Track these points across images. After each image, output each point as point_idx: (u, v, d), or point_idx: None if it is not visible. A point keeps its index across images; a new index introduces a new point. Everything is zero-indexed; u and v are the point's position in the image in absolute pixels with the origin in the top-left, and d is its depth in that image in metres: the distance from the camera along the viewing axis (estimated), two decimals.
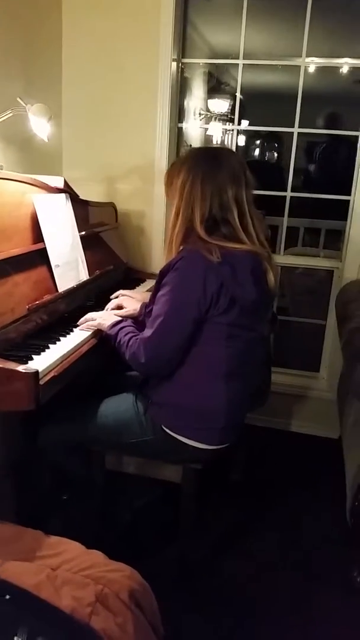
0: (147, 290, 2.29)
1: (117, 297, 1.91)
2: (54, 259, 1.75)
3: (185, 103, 2.83)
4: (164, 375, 1.54)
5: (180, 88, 2.70)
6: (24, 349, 1.44)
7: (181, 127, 2.76)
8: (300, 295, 3.48)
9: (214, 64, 4.61)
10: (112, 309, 1.82)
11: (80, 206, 2.10)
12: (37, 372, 1.26)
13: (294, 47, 2.60)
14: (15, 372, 1.24)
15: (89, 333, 1.64)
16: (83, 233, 2.00)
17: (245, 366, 1.56)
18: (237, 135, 2.88)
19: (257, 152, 6.78)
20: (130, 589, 1.08)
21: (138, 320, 1.70)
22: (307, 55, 2.49)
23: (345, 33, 2.84)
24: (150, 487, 1.96)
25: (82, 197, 2.12)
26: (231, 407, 1.54)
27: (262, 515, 2.16)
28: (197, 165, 1.47)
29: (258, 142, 6.87)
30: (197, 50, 2.74)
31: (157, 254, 2.68)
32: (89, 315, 1.70)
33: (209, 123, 4.91)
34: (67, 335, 1.60)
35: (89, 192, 2.25)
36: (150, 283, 2.45)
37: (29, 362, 1.37)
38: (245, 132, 2.83)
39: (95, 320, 1.67)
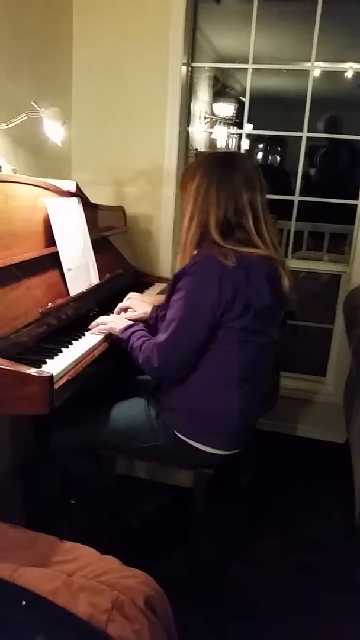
0: (159, 293, 2.29)
1: (127, 299, 1.91)
2: (65, 263, 1.75)
3: (191, 107, 2.83)
4: (176, 380, 1.53)
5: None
6: (37, 352, 1.44)
7: (189, 131, 2.76)
8: (305, 299, 3.48)
9: (220, 68, 4.65)
10: (122, 309, 1.82)
11: (90, 210, 2.10)
12: (51, 376, 1.25)
13: (301, 51, 2.61)
14: (30, 376, 1.24)
15: (101, 337, 1.64)
16: (92, 237, 2.00)
17: (258, 370, 1.56)
18: (241, 139, 2.88)
19: (260, 155, 6.80)
20: (146, 595, 1.08)
21: (149, 324, 1.70)
22: (316, 60, 2.49)
23: (352, 38, 2.85)
24: (160, 492, 1.96)
25: (90, 200, 2.12)
26: (244, 412, 1.54)
27: (267, 518, 2.16)
28: (211, 170, 1.47)
29: (261, 145, 6.90)
30: (203, 55, 2.75)
31: (165, 258, 2.68)
32: (100, 319, 1.70)
33: (213, 127, 4.94)
34: (79, 339, 1.60)
35: (97, 196, 2.25)
36: (158, 287, 2.45)
37: (43, 365, 1.37)
38: (248, 136, 2.82)
39: (106, 324, 1.67)
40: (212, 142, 5.03)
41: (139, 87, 2.53)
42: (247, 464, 2.16)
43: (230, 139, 5.36)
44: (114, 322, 1.68)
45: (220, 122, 5.09)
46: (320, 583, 1.84)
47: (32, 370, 1.25)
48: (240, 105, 4.89)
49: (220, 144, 5.18)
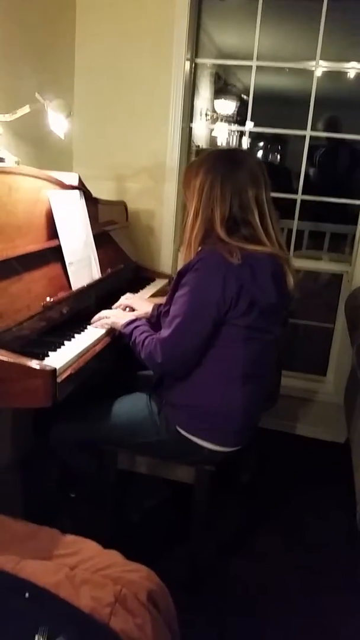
0: (157, 292, 2.28)
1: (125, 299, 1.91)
2: (68, 257, 1.74)
3: (193, 104, 2.82)
4: (179, 376, 1.52)
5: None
6: (39, 345, 1.43)
7: (192, 127, 2.75)
8: (305, 298, 3.48)
9: (222, 65, 4.63)
10: (122, 308, 1.82)
11: (91, 204, 2.09)
12: (55, 370, 1.25)
13: (304, 50, 2.61)
14: (33, 369, 1.23)
15: (103, 331, 1.63)
16: (94, 231, 1.99)
17: (261, 368, 1.55)
18: (242, 137, 2.87)
19: (260, 154, 6.79)
20: (149, 590, 1.08)
21: (150, 322, 1.70)
22: (320, 59, 2.48)
23: (355, 37, 2.84)
24: (160, 487, 1.95)
25: (92, 195, 2.10)
26: (247, 409, 1.54)
27: (267, 516, 2.16)
28: (215, 166, 1.46)
29: (262, 144, 6.90)
30: (205, 52, 2.73)
31: (167, 254, 2.67)
32: (103, 313, 1.69)
33: (214, 124, 4.92)
34: (82, 333, 1.60)
35: (98, 190, 2.24)
36: (160, 282, 2.44)
37: (45, 359, 1.36)
38: (249, 134, 2.81)
39: (109, 318, 1.66)
40: (213, 140, 5.02)
41: (141, 82, 2.52)
42: (248, 462, 2.16)
43: (231, 137, 5.35)
44: (117, 316, 1.67)
45: (221, 120, 5.09)
46: (320, 581, 1.84)
47: (35, 363, 1.24)
48: (242, 103, 4.89)
49: (221, 141, 5.17)
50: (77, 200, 1.90)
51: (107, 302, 1.89)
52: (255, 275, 1.41)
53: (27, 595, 0.96)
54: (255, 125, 2.77)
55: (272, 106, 3.51)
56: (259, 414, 1.68)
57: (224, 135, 5.21)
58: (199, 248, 1.46)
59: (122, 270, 2.22)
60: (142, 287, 2.30)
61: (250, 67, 2.56)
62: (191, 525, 1.71)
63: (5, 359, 1.23)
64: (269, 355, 1.58)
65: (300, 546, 2.01)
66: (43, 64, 2.24)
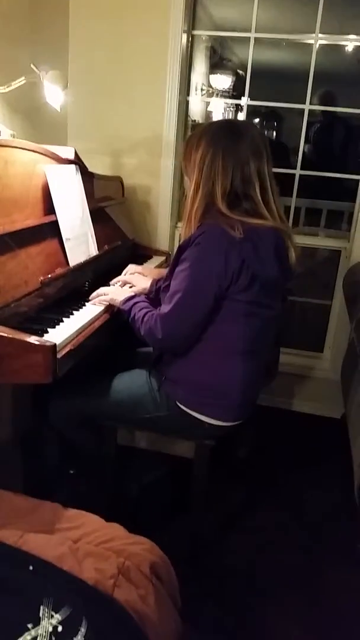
0: (156, 267, 2.27)
1: (125, 274, 1.90)
2: (65, 232, 1.72)
3: (189, 77, 2.77)
4: (180, 352, 1.52)
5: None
6: (38, 322, 1.42)
7: (188, 101, 2.70)
8: (301, 275, 3.46)
9: (217, 39, 4.54)
10: (121, 286, 1.80)
11: (87, 179, 2.05)
12: (54, 345, 1.24)
13: (302, 24, 2.55)
14: (33, 344, 1.22)
15: (102, 308, 1.62)
16: (89, 207, 1.96)
17: (261, 344, 1.55)
18: (237, 111, 2.82)
19: None
20: (151, 561, 1.09)
21: (149, 297, 1.68)
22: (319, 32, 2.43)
23: (354, 9, 2.78)
24: (159, 462, 1.97)
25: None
26: (246, 385, 1.54)
27: (265, 491, 2.18)
28: (217, 138, 1.43)
29: (257, 120, 6.80)
30: (202, 24, 2.67)
31: (164, 230, 2.65)
32: (101, 290, 1.68)
33: (210, 99, 4.85)
34: (80, 310, 1.58)
35: (93, 165, 2.20)
36: (157, 260, 2.43)
37: (45, 335, 1.35)
38: (245, 108, 2.76)
39: (107, 295, 1.65)
40: (208, 115, 4.94)
41: (138, 54, 2.46)
42: (245, 436, 2.17)
43: (227, 112, 5.27)
44: (115, 293, 1.66)
45: (216, 95, 5.00)
46: (319, 555, 1.86)
47: (35, 339, 1.24)
48: (237, 78, 4.80)
49: (217, 116, 5.10)
50: (73, 175, 1.87)
51: (104, 279, 1.88)
52: (257, 250, 1.39)
53: (31, 568, 0.97)
54: (251, 100, 2.73)
55: (268, 81, 3.45)
56: (258, 389, 1.69)
57: (220, 110, 5.13)
58: (199, 223, 1.43)
59: (119, 247, 2.20)
60: (140, 264, 2.27)
61: (247, 41, 2.51)
62: (191, 499, 1.72)
63: (4, 334, 1.22)
64: (269, 331, 1.57)
65: (299, 520, 2.03)
66: (35, 35, 2.18)
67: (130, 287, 1.80)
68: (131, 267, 1.94)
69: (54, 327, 1.41)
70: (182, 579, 1.20)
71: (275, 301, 1.52)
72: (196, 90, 4.26)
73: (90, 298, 1.66)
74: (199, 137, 1.47)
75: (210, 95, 4.88)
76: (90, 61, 2.50)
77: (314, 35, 2.44)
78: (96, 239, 1.96)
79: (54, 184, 1.69)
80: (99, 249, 1.96)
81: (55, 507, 1.20)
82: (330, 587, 1.73)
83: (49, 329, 1.39)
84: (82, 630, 0.84)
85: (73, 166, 1.88)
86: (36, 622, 0.84)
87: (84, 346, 1.43)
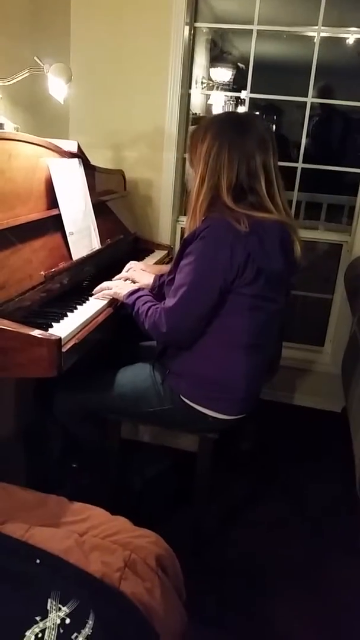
0: (157, 262, 2.26)
1: (127, 270, 1.90)
2: (68, 226, 1.71)
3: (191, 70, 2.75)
4: (184, 346, 1.52)
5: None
6: (42, 316, 1.42)
7: (190, 94, 2.69)
8: (303, 269, 3.46)
9: (218, 32, 4.51)
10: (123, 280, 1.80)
11: (89, 173, 2.05)
12: (59, 339, 1.24)
13: (302, 17, 2.54)
14: (38, 338, 1.22)
15: (105, 302, 1.62)
16: (92, 201, 1.95)
17: (265, 338, 1.55)
18: (238, 105, 2.81)
19: None
20: (157, 554, 1.09)
21: (152, 293, 1.68)
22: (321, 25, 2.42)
23: (356, 2, 2.77)
24: (163, 456, 1.97)
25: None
26: (250, 378, 1.54)
27: (267, 484, 2.19)
28: (222, 131, 1.42)
29: (257, 113, 6.77)
30: (203, 17, 2.66)
31: (165, 224, 2.64)
32: (105, 284, 1.68)
33: (210, 92, 4.83)
34: (84, 304, 1.58)
35: (95, 159, 2.19)
36: (159, 254, 2.42)
37: (49, 329, 1.35)
38: (244, 102, 2.74)
39: (110, 289, 1.65)
40: (208, 108, 4.92)
41: (140, 47, 2.44)
42: (247, 430, 2.18)
43: (227, 105, 5.25)
44: (119, 287, 1.66)
45: (217, 88, 4.98)
46: (321, 548, 1.87)
47: (40, 333, 1.24)
48: (237, 71, 4.78)
49: (217, 109, 5.08)
50: (76, 168, 1.86)
51: (107, 273, 1.87)
52: (263, 243, 1.39)
53: (37, 561, 0.97)
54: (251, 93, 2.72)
55: (268, 74, 3.44)
56: (262, 383, 1.69)
57: (220, 103, 5.11)
58: (204, 216, 1.43)
59: (121, 241, 2.20)
60: (142, 258, 2.27)
61: (247, 34, 2.49)
62: (194, 492, 1.73)
63: (9, 328, 1.22)
64: (274, 325, 1.57)
65: (300, 513, 2.04)
66: (37, 28, 2.16)
67: (134, 282, 1.80)
68: (132, 264, 1.94)
69: (59, 321, 1.41)
70: (184, 572, 1.20)
71: (280, 295, 1.52)
72: (196, 83, 4.24)
73: (93, 292, 1.66)
74: (205, 129, 1.47)
75: (211, 88, 4.86)
76: (92, 55, 2.49)
77: (316, 27, 2.43)
78: (99, 232, 1.96)
79: (57, 178, 1.69)
80: (101, 242, 1.96)
81: (60, 500, 1.20)
82: (332, 580, 1.74)
83: (53, 323, 1.39)
84: (90, 622, 0.85)
85: (76, 160, 1.88)
86: (44, 615, 0.85)
87: (88, 340, 1.43)
